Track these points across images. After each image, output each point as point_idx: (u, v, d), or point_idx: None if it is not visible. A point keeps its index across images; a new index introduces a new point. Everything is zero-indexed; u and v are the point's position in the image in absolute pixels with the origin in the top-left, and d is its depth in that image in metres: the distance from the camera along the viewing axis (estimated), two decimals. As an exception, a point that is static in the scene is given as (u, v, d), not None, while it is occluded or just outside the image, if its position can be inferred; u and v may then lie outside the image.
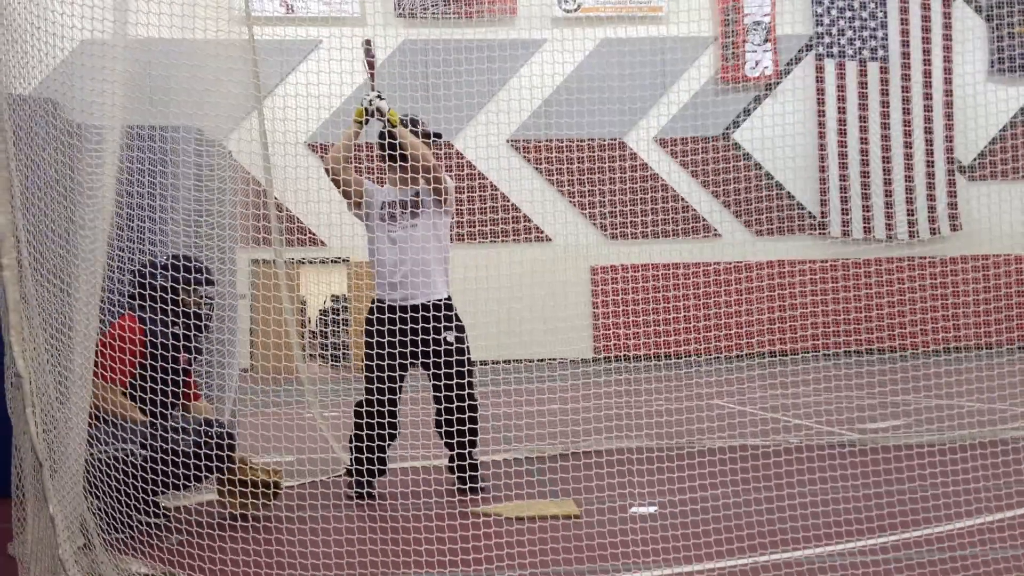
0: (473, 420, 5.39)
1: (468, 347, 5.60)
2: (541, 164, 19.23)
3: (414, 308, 5.50)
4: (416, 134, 5.60)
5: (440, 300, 5.58)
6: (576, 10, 20.11)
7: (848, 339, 15.19)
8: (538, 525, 4.58)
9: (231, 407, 5.89)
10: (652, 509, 4.85)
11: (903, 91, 20.20)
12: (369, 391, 5.41)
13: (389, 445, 5.55)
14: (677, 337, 13.66)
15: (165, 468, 4.43)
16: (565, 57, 18.76)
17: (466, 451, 5.48)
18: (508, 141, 19.01)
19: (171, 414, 4.75)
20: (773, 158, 19.60)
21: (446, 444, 5.54)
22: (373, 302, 5.64)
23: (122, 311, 4.95)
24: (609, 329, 18.65)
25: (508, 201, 18.86)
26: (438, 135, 5.79)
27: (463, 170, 16.73)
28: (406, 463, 6.39)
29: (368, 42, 5.65)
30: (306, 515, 4.77)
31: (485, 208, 17.23)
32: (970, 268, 15.26)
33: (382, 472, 5.48)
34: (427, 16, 18.47)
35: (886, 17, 20.36)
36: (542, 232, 19.15)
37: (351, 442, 5.50)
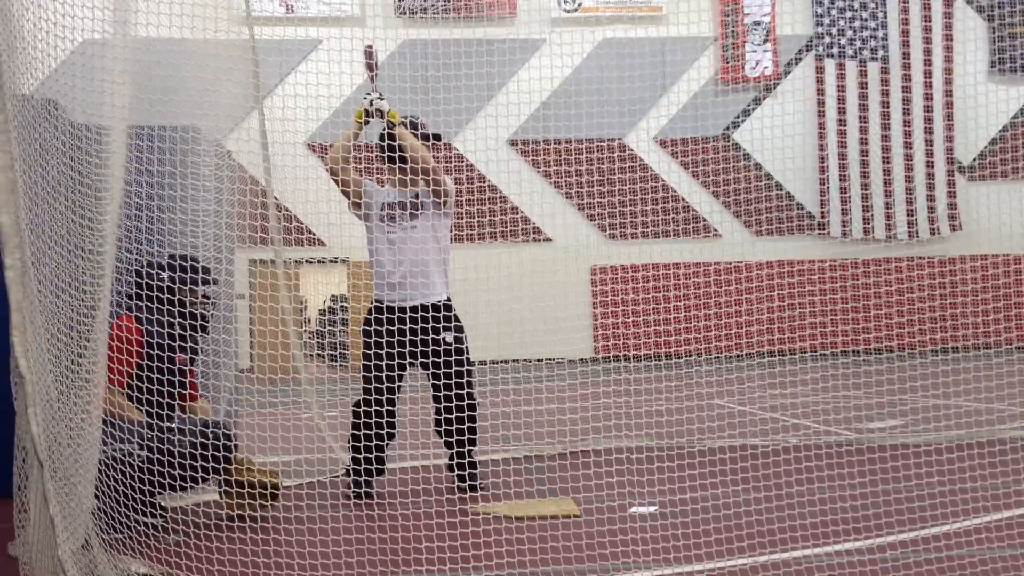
0: (472, 420, 5.40)
1: (467, 347, 5.61)
2: (541, 164, 19.23)
3: (412, 309, 5.50)
4: (416, 136, 5.61)
5: (439, 302, 5.58)
6: (576, 10, 20.12)
7: (848, 339, 15.19)
8: (537, 524, 4.58)
9: (226, 407, 5.89)
10: (652, 509, 4.86)
11: (903, 91, 20.20)
12: (367, 391, 5.42)
13: (388, 445, 5.56)
14: (677, 337, 13.66)
15: (164, 468, 4.44)
16: (565, 57, 18.75)
17: (464, 450, 5.50)
18: (508, 141, 19.01)
19: (170, 415, 4.75)
20: (773, 158, 19.59)
21: (445, 443, 5.55)
22: (372, 302, 5.65)
23: (120, 311, 4.95)
24: (609, 329, 18.65)
25: (508, 201, 18.86)
26: (438, 136, 5.79)
27: (463, 171, 16.73)
28: (405, 463, 6.40)
29: (370, 47, 5.67)
30: (304, 515, 4.77)
31: (485, 208, 17.22)
32: (970, 268, 15.26)
33: (380, 472, 5.49)
34: (427, 16, 18.47)
35: (886, 17, 20.36)
36: (542, 232, 19.15)
37: (350, 442, 5.51)
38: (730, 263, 17.57)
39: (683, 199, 19.36)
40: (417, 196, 5.62)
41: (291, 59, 15.88)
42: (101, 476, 3.95)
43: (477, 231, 16.22)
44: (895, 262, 17.74)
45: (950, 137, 20.37)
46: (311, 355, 17.56)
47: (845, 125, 20.30)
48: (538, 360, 7.91)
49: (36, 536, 3.42)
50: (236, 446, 4.96)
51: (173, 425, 4.66)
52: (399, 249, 5.56)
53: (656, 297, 15.69)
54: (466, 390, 5.46)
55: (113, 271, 3.91)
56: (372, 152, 5.99)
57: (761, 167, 20.07)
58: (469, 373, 5.55)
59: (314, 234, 13.49)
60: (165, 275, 4.95)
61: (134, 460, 4.41)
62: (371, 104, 5.50)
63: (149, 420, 4.65)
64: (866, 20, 20.39)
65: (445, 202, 5.64)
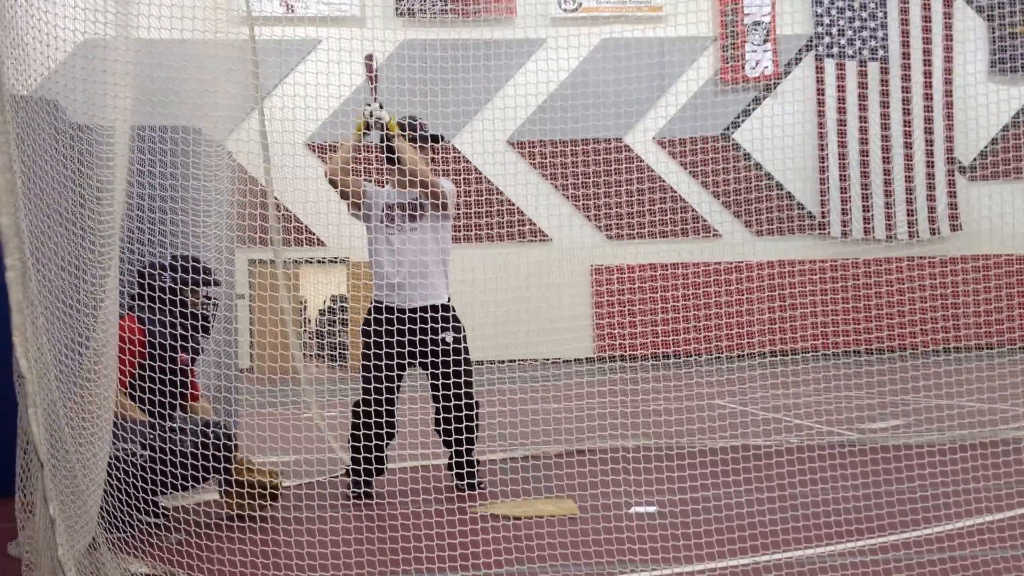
0: (471, 419, 5.40)
1: (467, 347, 5.61)
2: (541, 164, 19.23)
3: (412, 310, 5.50)
4: (416, 138, 5.60)
5: (438, 303, 5.58)
6: (576, 10, 20.12)
7: (848, 339, 15.19)
8: (537, 524, 4.58)
9: (225, 407, 5.90)
10: (652, 508, 4.86)
11: (903, 91, 20.20)
12: (366, 391, 5.42)
13: (388, 445, 5.56)
14: (677, 337, 13.67)
15: (165, 468, 4.44)
16: (564, 58, 18.75)
17: (464, 449, 5.50)
18: (508, 141, 19.01)
19: (172, 415, 4.76)
20: (773, 158, 19.60)
21: (444, 443, 5.55)
22: (371, 303, 5.65)
23: (122, 311, 4.96)
24: (609, 328, 18.65)
25: (508, 201, 18.86)
26: (438, 138, 5.78)
27: (463, 171, 16.73)
28: (405, 463, 6.40)
29: (370, 56, 5.68)
30: (304, 515, 4.77)
31: (485, 208, 17.22)
32: (970, 268, 15.25)
33: (380, 472, 5.49)
34: (427, 16, 18.48)
35: (886, 17, 20.36)
36: (542, 232, 19.15)
37: (350, 442, 5.51)
38: (730, 263, 17.56)
39: (683, 199, 19.36)
40: (417, 198, 5.62)
41: (291, 59, 15.88)
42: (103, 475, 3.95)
43: (477, 231, 16.22)
44: (895, 262, 17.73)
45: (950, 137, 20.37)
46: (311, 355, 17.57)
47: (845, 125, 20.30)
48: (538, 360, 7.91)
49: (37, 536, 3.42)
50: (236, 446, 4.97)
51: (174, 425, 4.66)
52: (399, 251, 5.56)
53: (656, 297, 15.69)
54: (465, 390, 5.46)
55: (117, 271, 3.91)
56: (372, 152, 5.99)
57: (761, 167, 20.08)
58: (468, 373, 5.55)
59: (314, 234, 13.49)
60: (167, 276, 4.95)
61: (136, 459, 4.42)
62: (371, 115, 5.51)
63: (151, 420, 4.65)
64: (866, 20, 20.39)
65: (444, 206, 5.63)
